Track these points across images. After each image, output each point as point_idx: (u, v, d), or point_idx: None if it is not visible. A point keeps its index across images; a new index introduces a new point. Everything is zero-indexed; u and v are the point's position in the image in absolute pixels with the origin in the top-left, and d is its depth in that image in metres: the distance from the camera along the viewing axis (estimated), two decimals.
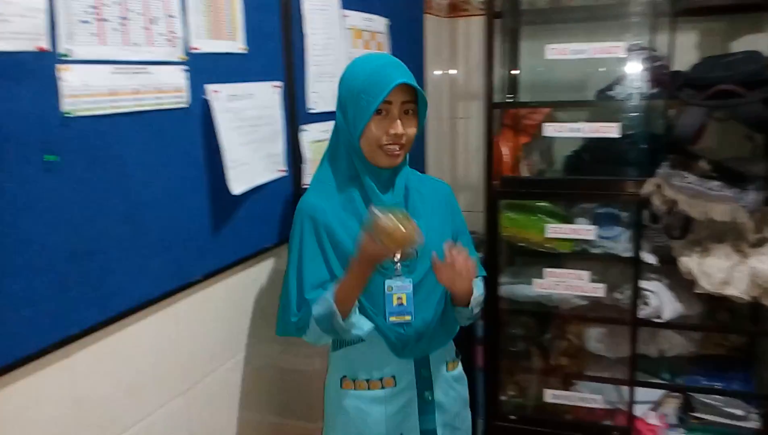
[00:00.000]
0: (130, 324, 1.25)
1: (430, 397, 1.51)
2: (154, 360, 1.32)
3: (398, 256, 1.35)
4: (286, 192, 1.68)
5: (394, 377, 1.47)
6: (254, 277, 1.61)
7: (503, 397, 2.78)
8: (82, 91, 1.08)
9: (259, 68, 1.52)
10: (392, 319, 1.42)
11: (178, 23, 1.26)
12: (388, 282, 1.41)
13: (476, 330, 2.66)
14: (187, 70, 1.29)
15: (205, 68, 1.35)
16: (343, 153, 1.43)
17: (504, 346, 2.77)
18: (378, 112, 1.35)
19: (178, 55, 1.27)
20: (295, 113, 1.68)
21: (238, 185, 1.42)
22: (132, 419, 1.27)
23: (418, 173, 1.57)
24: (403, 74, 1.35)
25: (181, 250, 1.33)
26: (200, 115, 1.35)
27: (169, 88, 1.25)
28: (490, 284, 2.55)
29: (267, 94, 1.54)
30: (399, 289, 1.41)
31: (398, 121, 1.36)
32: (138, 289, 1.24)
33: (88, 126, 1.10)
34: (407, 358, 1.47)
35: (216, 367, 1.51)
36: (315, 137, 1.77)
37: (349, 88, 1.38)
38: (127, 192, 1.19)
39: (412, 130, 1.39)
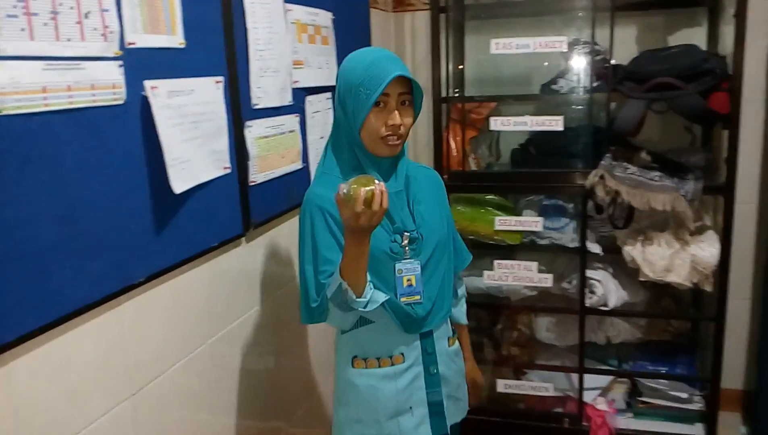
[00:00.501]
0: (71, 328, 1.20)
1: (435, 371, 1.59)
2: (98, 365, 1.28)
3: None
4: (232, 189, 1.65)
5: (402, 354, 1.55)
6: (201, 276, 1.58)
7: None
8: (11, 88, 1.03)
9: (199, 63, 1.49)
10: (403, 299, 1.50)
11: (113, 17, 1.22)
12: (398, 265, 1.49)
13: None
14: (123, 66, 1.25)
15: (143, 63, 1.31)
16: (345, 145, 1.49)
17: None
18: (377, 104, 1.40)
19: (113, 50, 1.23)
20: (239, 109, 1.65)
21: (180, 183, 1.38)
22: (76, 427, 1.23)
23: (412, 161, 1.63)
24: (399, 67, 1.41)
25: (122, 251, 1.29)
26: (139, 112, 1.31)
27: (105, 84, 1.21)
28: None
29: (209, 90, 1.51)
30: (408, 271, 1.49)
31: (396, 113, 1.42)
32: (78, 292, 1.19)
33: (18, 125, 1.05)
34: (414, 334, 1.55)
35: (164, 370, 1.47)
36: (261, 133, 1.74)
37: (348, 82, 1.43)
38: (63, 192, 1.15)
39: (409, 120, 1.46)
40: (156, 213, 1.37)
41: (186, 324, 1.54)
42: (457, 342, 1.71)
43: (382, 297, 1.44)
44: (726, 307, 2.37)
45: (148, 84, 1.31)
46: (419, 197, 1.55)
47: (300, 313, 1.52)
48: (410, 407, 1.57)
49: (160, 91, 1.34)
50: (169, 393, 1.49)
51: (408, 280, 1.50)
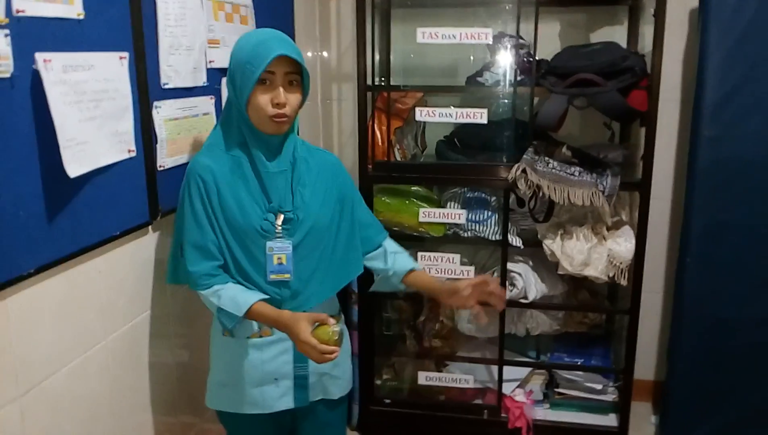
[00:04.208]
0: None
1: None
2: None
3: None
4: (137, 174, 1.54)
5: (271, 328, 1.58)
6: (101, 267, 1.47)
7: (378, 382, 2.78)
8: None
9: (101, 37, 1.37)
10: (272, 277, 1.55)
11: None
12: (269, 244, 1.53)
13: (352, 315, 2.63)
14: (9, 35, 1.13)
15: (34, 34, 1.19)
16: (234, 121, 1.53)
17: (378, 331, 2.77)
18: (262, 82, 1.45)
19: None
20: (147, 88, 1.54)
21: (75, 167, 1.27)
22: None
23: (309, 145, 1.67)
24: (285, 47, 1.44)
25: (8, 239, 1.17)
26: (29, 87, 1.19)
27: None
28: (365, 269, 2.53)
29: (111, 66, 1.39)
30: (279, 250, 1.53)
31: (280, 90, 1.45)
32: None
33: None
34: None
35: (57, 369, 1.36)
36: (170, 114, 1.64)
37: (237, 59, 1.47)
38: None
39: (294, 99, 1.49)
40: (48, 198, 1.26)
41: (83, 319, 1.43)
42: (341, 321, 1.71)
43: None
44: (640, 301, 2.44)
45: (39, 57, 1.19)
46: (305, 180, 1.57)
47: (166, 272, 1.63)
48: (275, 379, 1.62)
49: (54, 65, 1.22)
50: (64, 393, 1.38)
51: (279, 258, 1.54)
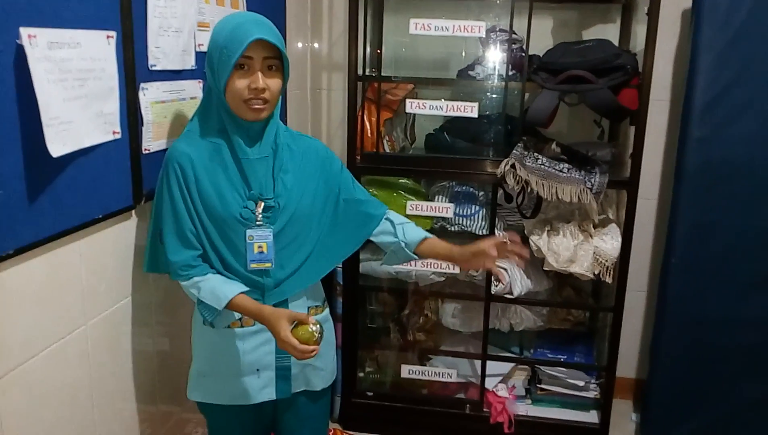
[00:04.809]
0: None
1: None
2: None
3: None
4: (121, 157, 1.51)
5: None
6: (82, 251, 1.44)
7: (361, 374, 2.77)
8: None
9: (88, 14, 1.34)
10: (253, 265, 1.52)
11: None
12: (249, 232, 1.50)
13: (336, 307, 2.61)
14: None
15: (19, 7, 1.15)
16: (214, 107, 1.49)
17: (362, 323, 2.76)
18: (240, 67, 1.41)
19: None
20: (134, 69, 1.51)
21: (58, 146, 1.23)
22: None
23: (293, 131, 1.63)
24: (263, 31, 1.40)
25: None
26: (12, 62, 1.16)
27: None
28: (351, 261, 2.52)
29: (98, 45, 1.36)
30: (260, 238, 1.50)
31: (258, 75, 1.41)
32: None
33: None
34: (267, 303, 1.54)
35: (34, 353, 1.33)
36: (157, 97, 1.60)
37: (214, 43, 1.44)
38: None
39: (274, 84, 1.45)
40: (30, 178, 1.22)
41: (63, 303, 1.40)
42: (324, 312, 1.71)
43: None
44: (624, 299, 2.44)
45: (24, 31, 1.16)
46: (287, 166, 1.54)
47: (144, 260, 1.59)
48: (257, 369, 1.60)
49: (39, 41, 1.18)
50: (42, 378, 1.35)
51: (259, 246, 1.51)
